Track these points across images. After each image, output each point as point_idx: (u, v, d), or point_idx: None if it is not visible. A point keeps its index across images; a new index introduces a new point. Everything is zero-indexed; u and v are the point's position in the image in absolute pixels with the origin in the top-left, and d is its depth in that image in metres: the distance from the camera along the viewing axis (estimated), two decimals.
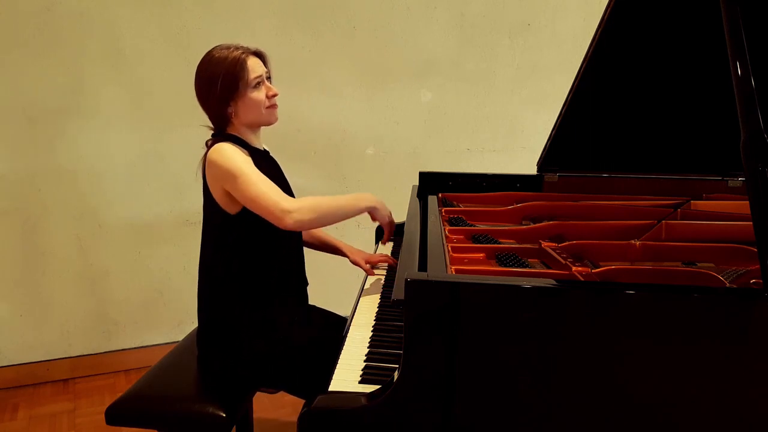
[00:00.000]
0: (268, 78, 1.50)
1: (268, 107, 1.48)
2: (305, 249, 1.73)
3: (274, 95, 1.49)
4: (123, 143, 2.37)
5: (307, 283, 1.66)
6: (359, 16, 2.59)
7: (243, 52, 1.44)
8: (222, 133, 1.49)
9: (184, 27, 2.35)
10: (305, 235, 1.77)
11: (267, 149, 1.60)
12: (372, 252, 1.98)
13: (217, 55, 1.44)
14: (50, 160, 2.30)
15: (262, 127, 1.54)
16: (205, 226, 1.50)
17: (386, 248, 1.98)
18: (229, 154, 1.38)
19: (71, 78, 2.26)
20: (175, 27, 2.34)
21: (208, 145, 1.46)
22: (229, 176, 1.37)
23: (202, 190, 1.47)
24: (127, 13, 2.27)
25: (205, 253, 1.51)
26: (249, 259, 1.46)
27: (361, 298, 1.56)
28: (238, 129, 1.49)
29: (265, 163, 1.53)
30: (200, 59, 1.46)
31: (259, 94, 1.46)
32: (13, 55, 2.17)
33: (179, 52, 2.36)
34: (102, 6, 2.23)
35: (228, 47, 1.45)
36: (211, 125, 1.51)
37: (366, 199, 1.53)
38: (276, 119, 1.53)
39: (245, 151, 1.45)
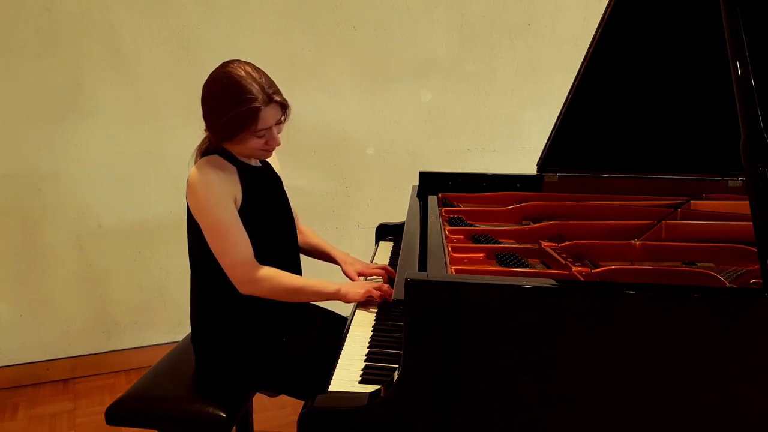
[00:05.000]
0: (279, 123, 1.38)
1: (263, 151, 1.41)
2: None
3: (275, 146, 1.40)
4: (123, 143, 2.37)
5: None
6: (359, 16, 2.59)
7: (262, 101, 1.31)
8: (216, 142, 1.41)
9: (184, 27, 2.35)
10: (299, 240, 1.71)
11: (260, 164, 1.52)
12: (371, 253, 1.98)
13: (235, 88, 1.30)
14: (50, 160, 2.30)
15: None
16: (190, 231, 1.44)
17: (386, 249, 1.98)
18: (204, 192, 1.32)
19: (71, 78, 2.25)
20: (175, 27, 2.34)
21: (197, 154, 1.43)
22: (199, 214, 1.36)
23: None
24: (127, 13, 2.27)
25: (193, 256, 1.47)
26: None
27: None
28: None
29: (257, 181, 1.45)
30: (218, 70, 1.35)
31: (258, 142, 1.37)
32: (13, 55, 2.17)
33: (179, 52, 2.36)
34: (102, 6, 2.23)
35: (251, 83, 1.30)
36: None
37: (337, 284, 1.44)
38: (269, 157, 1.48)
39: (232, 168, 1.39)
